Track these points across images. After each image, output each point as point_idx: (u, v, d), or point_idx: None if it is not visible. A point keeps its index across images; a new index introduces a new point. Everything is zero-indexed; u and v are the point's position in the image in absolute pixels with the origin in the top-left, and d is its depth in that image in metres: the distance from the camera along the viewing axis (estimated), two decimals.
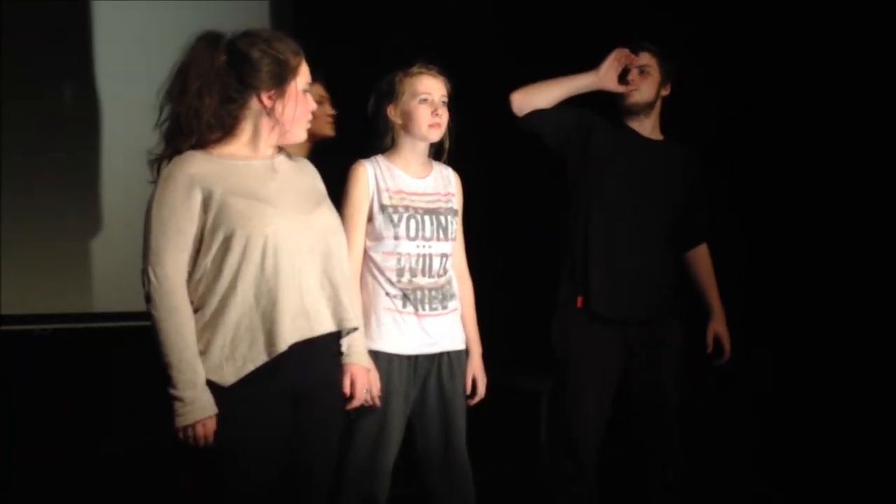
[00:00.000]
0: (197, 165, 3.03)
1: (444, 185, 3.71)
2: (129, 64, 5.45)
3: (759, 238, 5.11)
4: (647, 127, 4.22)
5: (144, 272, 3.01)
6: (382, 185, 3.59)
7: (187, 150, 3.07)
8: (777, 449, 5.05)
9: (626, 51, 4.12)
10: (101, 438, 5.44)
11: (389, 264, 3.58)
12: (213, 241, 3.00)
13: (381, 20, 5.71)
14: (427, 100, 3.59)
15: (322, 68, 3.98)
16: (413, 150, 3.66)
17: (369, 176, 3.59)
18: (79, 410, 5.42)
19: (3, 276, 5.26)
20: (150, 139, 3.13)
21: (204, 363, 2.98)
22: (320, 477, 3.20)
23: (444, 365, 3.65)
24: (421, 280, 3.60)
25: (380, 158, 3.65)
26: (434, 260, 3.62)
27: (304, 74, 3.16)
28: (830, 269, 4.88)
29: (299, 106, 3.15)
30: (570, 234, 4.16)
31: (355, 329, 3.24)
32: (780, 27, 5.00)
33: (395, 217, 3.57)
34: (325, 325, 3.13)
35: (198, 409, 2.95)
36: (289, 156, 3.23)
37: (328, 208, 3.21)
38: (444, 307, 3.64)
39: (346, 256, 3.23)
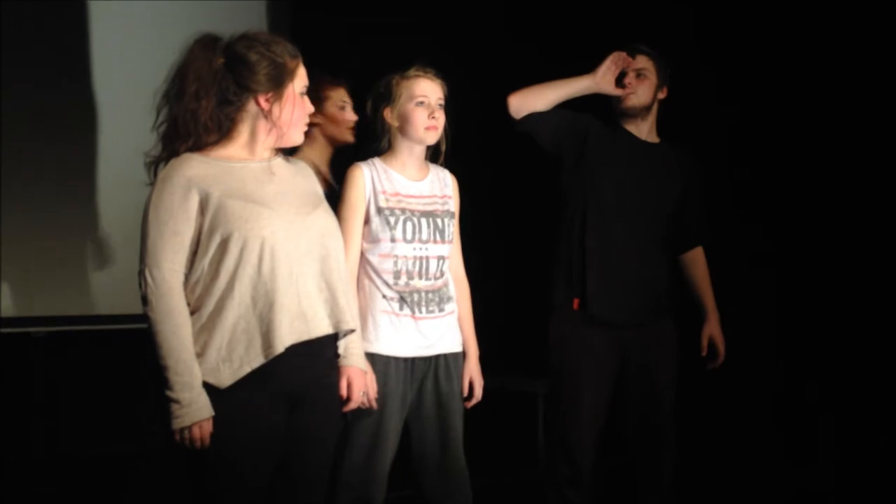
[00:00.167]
0: (194, 168, 3.03)
1: (441, 187, 3.71)
2: (126, 66, 5.46)
3: (756, 239, 5.12)
4: (644, 130, 4.22)
5: (141, 274, 3.00)
6: (379, 188, 3.59)
7: (184, 152, 3.06)
8: (775, 449, 5.06)
9: (624, 54, 4.12)
10: (98, 441, 5.45)
11: (386, 267, 3.57)
12: (211, 244, 3.00)
13: (378, 22, 5.71)
14: (424, 102, 3.59)
15: (343, 73, 4.00)
16: (410, 153, 3.65)
17: (366, 178, 3.59)
18: (76, 413, 5.43)
19: (1, 279, 5.27)
20: (147, 141, 3.13)
21: (201, 365, 2.97)
22: (316, 479, 3.19)
23: (440, 367, 3.65)
24: (418, 283, 3.59)
25: (376, 161, 3.65)
26: (431, 262, 3.61)
27: (301, 77, 3.16)
28: (829, 270, 4.89)
29: (297, 109, 3.15)
30: (566, 237, 4.17)
31: (352, 331, 3.24)
32: (776, 28, 5.01)
33: (392, 219, 3.57)
34: (322, 328, 3.12)
35: (195, 411, 2.94)
36: (286, 158, 3.23)
37: (325, 210, 3.20)
38: (441, 310, 3.64)
39: (343, 259, 3.23)
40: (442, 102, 3.63)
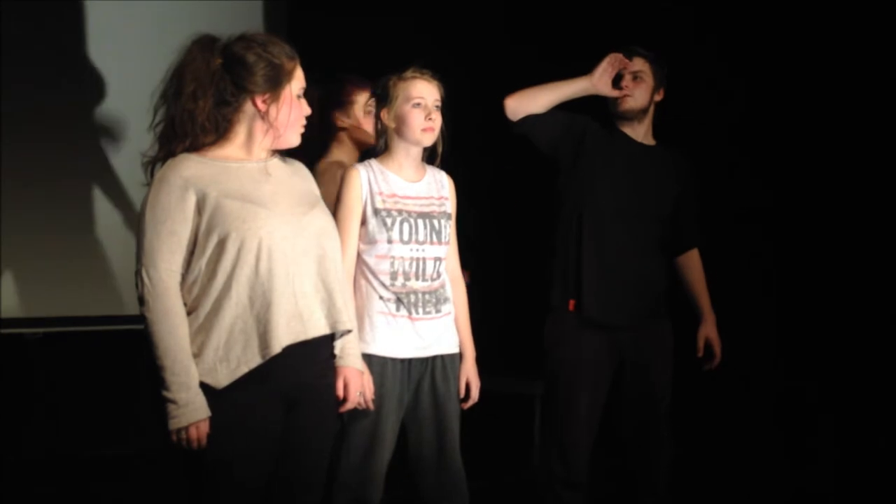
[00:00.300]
0: (191, 168, 3.03)
1: (438, 188, 3.70)
2: (123, 66, 5.46)
3: (756, 239, 5.12)
4: (640, 132, 4.23)
5: (138, 274, 3.00)
6: (376, 189, 3.58)
7: (181, 152, 3.07)
8: (775, 449, 5.06)
9: (620, 56, 4.12)
10: (96, 441, 5.46)
11: (383, 268, 3.57)
12: (208, 244, 3.00)
13: (377, 22, 5.71)
14: (421, 104, 3.58)
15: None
16: (406, 154, 3.65)
17: (363, 179, 3.59)
18: (73, 413, 5.43)
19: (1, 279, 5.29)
20: (146, 141, 3.13)
21: (197, 365, 2.98)
22: (313, 480, 3.19)
23: (437, 368, 3.64)
24: (414, 284, 3.59)
25: (373, 162, 3.65)
26: (427, 264, 3.61)
27: (298, 79, 3.16)
28: (829, 270, 4.89)
29: (293, 110, 3.15)
30: (563, 238, 4.17)
31: (349, 332, 3.24)
32: (772, 30, 5.01)
33: (389, 221, 3.56)
34: (319, 328, 3.12)
35: (191, 411, 2.94)
36: (282, 159, 3.23)
37: (322, 211, 3.21)
38: (438, 311, 3.64)
39: (340, 259, 3.23)
40: (439, 104, 3.63)
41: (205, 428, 2.97)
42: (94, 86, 5.56)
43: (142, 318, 3.00)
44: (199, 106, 3.05)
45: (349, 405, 3.31)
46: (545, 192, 4.25)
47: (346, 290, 3.32)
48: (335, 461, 3.47)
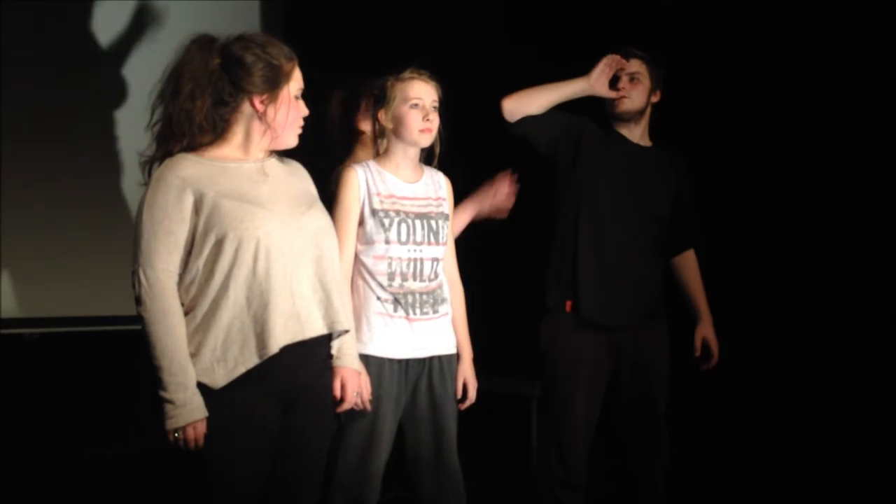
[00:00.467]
0: (189, 168, 3.03)
1: (436, 189, 3.70)
2: (120, 66, 5.45)
3: (756, 239, 5.11)
4: (637, 133, 4.23)
5: (135, 274, 3.00)
6: (373, 190, 3.59)
7: (178, 152, 3.06)
8: (775, 449, 5.05)
9: (618, 57, 4.12)
10: (94, 442, 5.46)
11: (380, 268, 3.57)
12: (205, 244, 3.00)
13: (373, 23, 5.71)
14: (418, 105, 3.58)
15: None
16: (404, 155, 3.65)
17: (360, 180, 3.59)
18: (71, 413, 5.43)
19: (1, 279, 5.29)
20: (144, 141, 3.14)
21: (195, 365, 2.97)
22: (310, 480, 3.19)
23: (434, 369, 3.64)
24: (412, 284, 3.59)
25: (371, 163, 3.65)
26: (425, 264, 3.61)
27: (297, 80, 3.16)
28: (829, 270, 4.89)
29: (291, 111, 3.15)
30: (560, 239, 4.18)
31: (346, 332, 3.24)
32: (772, 30, 5.00)
33: (387, 221, 3.56)
34: (317, 328, 3.12)
35: (189, 411, 2.94)
36: (280, 159, 3.23)
37: (320, 211, 3.21)
38: (436, 311, 3.64)
39: (337, 259, 3.23)
40: (437, 105, 3.63)
41: (202, 428, 2.96)
42: (94, 86, 5.56)
43: (139, 319, 2.99)
44: (196, 106, 3.05)
45: (346, 405, 3.30)
46: (544, 191, 4.25)
47: (344, 290, 3.32)
48: (332, 461, 3.48)
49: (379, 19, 5.70)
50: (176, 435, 2.95)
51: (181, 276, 3.02)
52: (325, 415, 3.22)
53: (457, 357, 3.72)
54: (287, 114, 3.14)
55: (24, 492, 5.10)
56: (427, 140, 3.62)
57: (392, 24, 5.68)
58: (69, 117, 5.54)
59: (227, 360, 2.99)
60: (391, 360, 3.57)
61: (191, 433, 2.95)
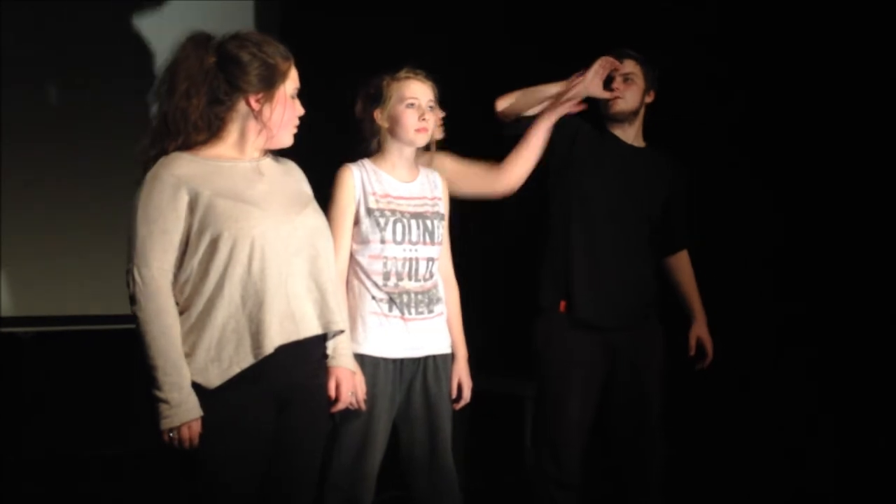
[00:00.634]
0: (184, 167, 3.03)
1: (431, 189, 3.71)
2: (115, 65, 5.46)
3: (756, 239, 5.11)
4: (631, 134, 4.24)
5: (129, 273, 3.00)
6: (369, 189, 3.59)
7: (173, 150, 3.07)
8: (775, 449, 5.05)
9: (612, 59, 4.12)
10: (94, 442, 5.46)
11: (376, 268, 3.57)
12: (200, 243, 3.00)
13: (370, 23, 5.71)
14: (414, 104, 3.60)
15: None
16: (400, 154, 3.66)
17: (356, 179, 3.59)
18: (68, 413, 5.43)
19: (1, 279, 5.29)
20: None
21: (189, 365, 2.98)
22: (305, 480, 3.20)
23: (429, 369, 3.64)
24: (407, 284, 3.59)
25: (366, 162, 3.66)
26: (420, 264, 3.61)
27: (293, 79, 3.17)
28: (829, 270, 4.88)
29: (287, 110, 3.15)
30: (553, 239, 4.18)
31: (341, 332, 3.24)
32: (772, 30, 5.00)
33: (382, 221, 3.57)
34: (312, 328, 3.12)
35: (183, 411, 2.94)
36: (275, 158, 3.23)
37: (315, 210, 3.21)
38: (431, 311, 3.64)
39: (332, 259, 3.23)
40: (433, 104, 3.64)
41: (197, 428, 2.97)
42: (93, 86, 5.56)
43: (133, 318, 2.99)
44: (192, 104, 3.06)
45: (341, 405, 3.31)
46: (537, 192, 4.25)
47: (339, 290, 3.31)
48: (327, 461, 3.48)
49: (378, 19, 5.70)
50: (171, 435, 2.95)
51: (176, 276, 3.02)
52: (319, 415, 3.23)
53: (452, 357, 3.72)
54: (283, 113, 3.14)
55: (25, 492, 5.10)
56: (423, 139, 3.63)
57: (391, 23, 5.67)
58: (69, 117, 5.54)
59: (222, 359, 3.00)
60: (386, 360, 3.57)
61: (185, 433, 2.95)
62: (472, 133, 4.05)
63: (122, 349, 5.01)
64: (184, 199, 3.00)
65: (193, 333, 3.00)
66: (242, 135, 3.14)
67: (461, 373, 3.72)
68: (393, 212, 3.59)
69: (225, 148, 3.13)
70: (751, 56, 5.08)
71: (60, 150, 5.48)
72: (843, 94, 4.80)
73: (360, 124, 3.69)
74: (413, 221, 3.61)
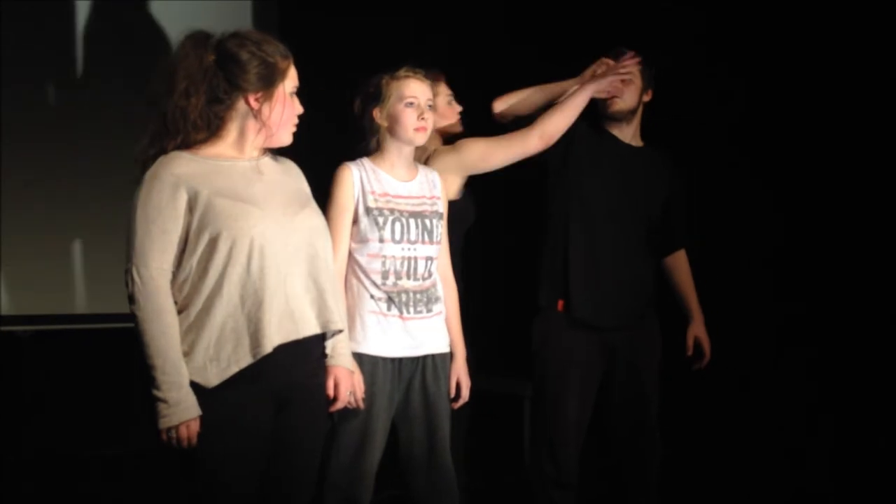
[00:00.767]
0: (183, 166, 3.03)
1: (430, 188, 3.70)
2: (113, 64, 5.46)
3: (756, 239, 5.11)
4: (628, 134, 4.24)
5: (128, 272, 3.00)
6: (368, 188, 3.59)
7: (173, 149, 3.06)
8: (775, 449, 5.05)
9: (610, 61, 4.13)
10: (93, 442, 5.46)
11: (374, 267, 3.57)
12: (199, 242, 2.99)
13: (369, 23, 5.71)
14: (413, 103, 3.59)
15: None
16: (399, 154, 3.66)
17: (354, 178, 3.59)
18: (66, 412, 5.43)
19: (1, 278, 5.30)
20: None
21: (188, 364, 2.97)
22: (304, 480, 3.19)
23: (428, 368, 3.64)
24: (406, 283, 3.59)
25: (365, 161, 3.65)
26: (419, 263, 3.61)
27: (292, 78, 3.16)
28: (829, 269, 4.88)
29: (286, 109, 3.15)
30: (551, 239, 4.18)
31: (340, 331, 3.24)
32: (772, 30, 5.00)
33: (381, 220, 3.56)
34: (311, 328, 3.12)
35: (182, 410, 2.94)
36: (274, 157, 3.23)
37: (314, 210, 3.21)
38: (429, 310, 3.63)
39: (331, 258, 3.23)
40: (431, 103, 3.64)
41: (195, 427, 2.96)
42: (93, 86, 5.56)
43: (132, 317, 2.99)
44: (191, 103, 3.05)
45: (339, 404, 3.31)
46: (535, 192, 4.25)
47: (338, 289, 3.31)
48: (325, 461, 3.47)
49: (378, 19, 5.70)
50: (169, 434, 2.94)
51: (174, 275, 3.01)
52: (318, 414, 3.22)
53: (450, 356, 3.72)
54: (282, 112, 3.14)
55: (24, 491, 5.10)
56: (422, 139, 3.63)
57: (391, 23, 5.67)
58: (69, 117, 5.54)
59: (221, 359, 2.99)
60: (385, 359, 3.57)
61: (184, 432, 2.95)
62: (472, 133, 4.06)
63: (122, 349, 5.04)
64: (183, 199, 3.00)
65: (192, 332, 3.00)
66: (242, 134, 3.13)
67: (460, 372, 3.72)
68: (392, 211, 3.58)
69: (224, 147, 3.12)
70: (751, 56, 5.08)
71: (60, 150, 5.49)
72: (843, 94, 4.80)
73: (359, 123, 3.68)
74: (412, 220, 3.61)
